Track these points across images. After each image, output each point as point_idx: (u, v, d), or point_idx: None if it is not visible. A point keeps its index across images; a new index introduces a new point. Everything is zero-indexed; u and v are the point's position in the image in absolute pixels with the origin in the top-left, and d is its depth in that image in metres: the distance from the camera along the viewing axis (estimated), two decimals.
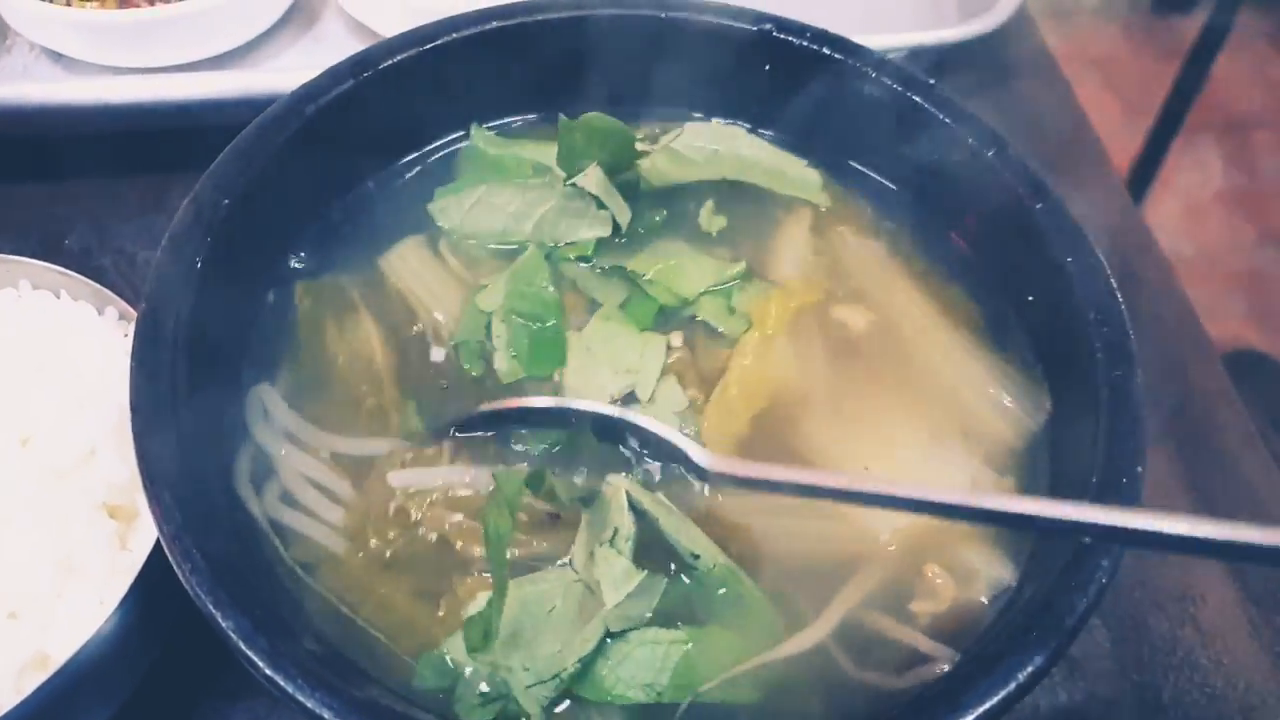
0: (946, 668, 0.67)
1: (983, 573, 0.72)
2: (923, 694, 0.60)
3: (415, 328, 0.84)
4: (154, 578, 0.72)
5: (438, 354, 0.82)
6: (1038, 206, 0.80)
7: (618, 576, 0.67)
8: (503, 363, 0.81)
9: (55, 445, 0.79)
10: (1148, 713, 0.87)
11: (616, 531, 0.68)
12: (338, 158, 0.87)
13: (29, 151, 1.16)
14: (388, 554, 0.72)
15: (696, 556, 0.69)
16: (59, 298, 0.89)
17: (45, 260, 0.90)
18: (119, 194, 1.15)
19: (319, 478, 0.76)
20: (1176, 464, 0.99)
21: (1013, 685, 0.59)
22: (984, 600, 0.71)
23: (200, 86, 1.11)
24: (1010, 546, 0.73)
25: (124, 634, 0.72)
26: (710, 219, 0.90)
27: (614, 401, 0.79)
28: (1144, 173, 2.51)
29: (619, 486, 0.70)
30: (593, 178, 0.85)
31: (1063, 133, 1.25)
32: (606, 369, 0.80)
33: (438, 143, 0.95)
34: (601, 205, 0.86)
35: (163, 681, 0.80)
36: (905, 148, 0.90)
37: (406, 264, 0.87)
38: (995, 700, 0.58)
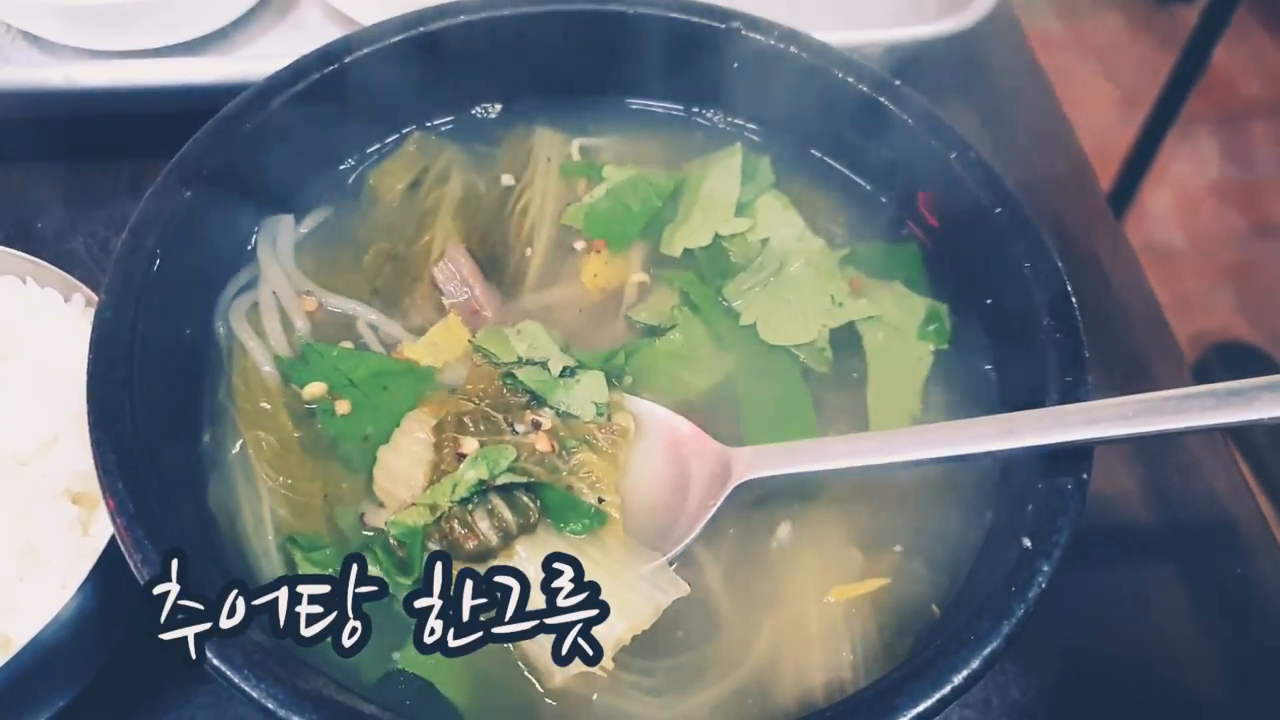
0: None
1: None
2: (856, 697, 0.61)
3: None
4: (115, 563, 0.72)
5: None
6: (997, 210, 0.81)
7: None
8: None
9: (18, 432, 0.80)
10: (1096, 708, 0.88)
11: None
12: (303, 150, 0.87)
13: (2, 133, 1.15)
14: None
15: None
16: (25, 284, 0.89)
17: (16, 241, 0.90)
18: (93, 178, 1.15)
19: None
20: (1135, 463, 1.00)
21: (947, 689, 0.60)
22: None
23: (176, 72, 1.11)
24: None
25: (84, 618, 0.73)
26: None
27: None
28: (1139, 162, 2.50)
29: None
30: None
31: (1040, 132, 1.24)
32: None
33: (405, 134, 0.94)
34: None
35: (129, 662, 0.81)
36: (869, 144, 0.90)
37: None
38: (930, 702, 0.60)
